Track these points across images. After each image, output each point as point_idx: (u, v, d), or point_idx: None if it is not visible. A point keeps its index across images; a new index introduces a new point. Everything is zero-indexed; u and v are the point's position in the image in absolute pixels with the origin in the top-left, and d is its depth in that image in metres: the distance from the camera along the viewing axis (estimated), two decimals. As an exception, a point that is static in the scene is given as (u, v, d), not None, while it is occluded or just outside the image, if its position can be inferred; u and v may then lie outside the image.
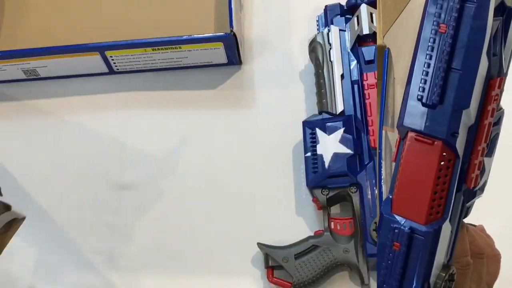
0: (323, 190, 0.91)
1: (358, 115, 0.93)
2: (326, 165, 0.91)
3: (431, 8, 0.55)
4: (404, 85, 0.58)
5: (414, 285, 0.58)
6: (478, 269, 0.69)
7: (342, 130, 0.92)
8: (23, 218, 0.79)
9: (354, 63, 0.96)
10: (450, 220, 0.58)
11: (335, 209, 0.94)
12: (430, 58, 0.55)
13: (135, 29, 1.11)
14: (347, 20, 1.00)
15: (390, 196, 0.59)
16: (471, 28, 0.53)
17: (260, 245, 0.92)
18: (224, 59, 1.06)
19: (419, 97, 0.55)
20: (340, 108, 0.94)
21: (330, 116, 0.94)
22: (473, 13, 0.53)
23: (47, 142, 1.09)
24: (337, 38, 0.98)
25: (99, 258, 0.96)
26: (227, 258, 0.96)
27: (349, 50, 0.97)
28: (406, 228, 0.57)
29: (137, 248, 0.99)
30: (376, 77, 0.92)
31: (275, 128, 1.03)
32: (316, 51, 0.99)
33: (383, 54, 0.66)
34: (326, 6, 1.03)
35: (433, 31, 0.55)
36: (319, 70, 0.98)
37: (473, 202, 0.62)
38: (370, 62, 0.95)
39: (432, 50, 0.55)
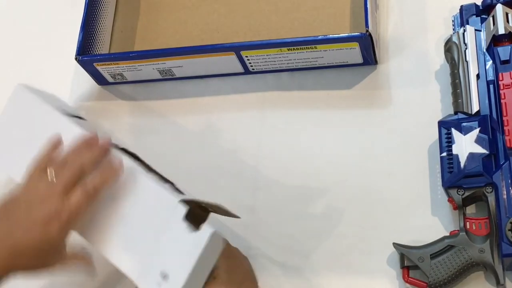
0: (459, 190, 0.98)
1: (494, 115, 0.99)
2: (462, 165, 0.97)
3: None
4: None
5: None
6: None
7: (477, 130, 0.98)
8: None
9: (489, 63, 1.02)
10: None
11: (470, 209, 1.01)
12: None
13: (270, 29, 1.22)
14: (482, 20, 1.06)
15: None
16: None
17: (396, 245, 1.00)
18: (359, 59, 1.14)
19: None
20: (475, 108, 1.01)
21: (466, 116, 1.01)
22: None
23: (182, 142, 1.22)
24: (473, 38, 1.05)
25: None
26: (363, 258, 1.04)
27: (484, 50, 1.04)
28: None
29: (272, 248, 1.09)
30: (513, 77, 0.98)
31: (411, 128, 1.10)
32: (452, 51, 1.06)
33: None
34: (461, 6, 1.09)
35: None
36: (455, 70, 1.05)
37: None
38: (505, 62, 1.01)
39: None
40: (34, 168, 0.94)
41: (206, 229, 0.90)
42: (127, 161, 0.99)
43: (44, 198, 0.89)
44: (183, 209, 0.92)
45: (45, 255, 0.91)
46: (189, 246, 0.90)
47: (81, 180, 0.92)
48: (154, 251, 0.93)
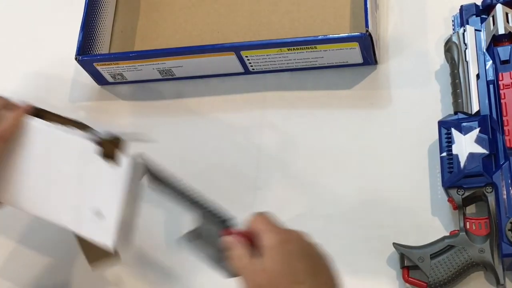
0: (459, 190, 0.98)
1: (494, 115, 0.99)
2: (462, 165, 0.97)
3: None
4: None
5: None
6: None
7: (477, 130, 0.98)
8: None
9: (489, 63, 1.02)
10: None
11: (470, 209, 1.01)
12: None
13: (270, 29, 1.23)
14: (482, 20, 1.06)
15: None
16: None
17: (396, 245, 1.00)
18: (359, 59, 1.14)
19: None
20: (475, 108, 1.01)
21: (466, 116, 1.01)
22: None
23: (182, 142, 1.22)
24: (473, 38, 1.05)
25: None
26: (363, 258, 1.05)
27: (484, 50, 1.04)
28: None
29: None
30: (513, 77, 0.99)
31: (411, 128, 1.10)
32: (452, 51, 1.07)
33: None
34: (461, 6, 1.09)
35: None
36: (455, 70, 1.05)
37: None
38: (505, 62, 1.01)
39: None
40: None
41: (123, 158, 0.95)
42: (39, 122, 1.00)
43: None
44: (97, 149, 0.96)
45: None
46: (113, 178, 0.94)
47: None
48: (79, 194, 0.97)
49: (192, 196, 0.94)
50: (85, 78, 1.29)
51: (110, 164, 0.95)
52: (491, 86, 1.03)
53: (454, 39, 1.08)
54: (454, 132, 1.01)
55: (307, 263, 0.84)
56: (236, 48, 1.17)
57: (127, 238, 0.98)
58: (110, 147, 0.96)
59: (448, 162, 1.01)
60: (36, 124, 0.99)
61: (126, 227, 0.97)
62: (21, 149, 0.99)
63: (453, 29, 1.12)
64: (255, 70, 1.22)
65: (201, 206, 0.93)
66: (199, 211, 0.93)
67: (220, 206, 0.92)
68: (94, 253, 0.97)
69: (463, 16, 1.10)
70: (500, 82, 1.00)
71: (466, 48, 1.06)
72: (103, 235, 0.95)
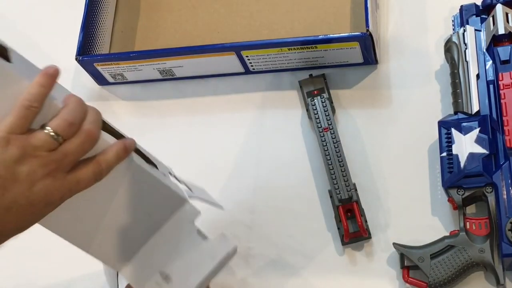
0: (459, 190, 0.99)
1: (494, 115, 1.00)
2: (462, 165, 0.98)
3: None
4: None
5: None
6: None
7: (477, 130, 0.99)
8: None
9: (489, 63, 1.03)
10: None
11: (470, 209, 1.01)
12: None
13: (270, 29, 1.23)
14: (482, 20, 1.07)
15: None
16: None
17: (396, 245, 1.01)
18: (360, 59, 1.15)
19: None
20: (475, 108, 1.01)
21: (466, 116, 1.02)
22: None
23: (182, 142, 1.23)
24: (473, 38, 1.06)
25: (235, 258, 0.99)
26: (363, 258, 1.05)
27: (484, 50, 1.05)
28: None
29: (272, 248, 1.10)
30: (513, 77, 1.00)
31: (411, 128, 1.11)
32: (452, 51, 1.07)
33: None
34: (461, 6, 1.10)
35: None
36: (455, 70, 1.06)
37: None
38: (505, 62, 1.02)
39: None
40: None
41: (227, 241, 0.91)
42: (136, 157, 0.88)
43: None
44: (196, 212, 0.92)
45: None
46: (204, 254, 0.90)
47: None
48: (153, 250, 0.91)
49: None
50: (86, 78, 1.30)
51: (204, 238, 0.90)
52: (491, 86, 1.03)
53: (454, 39, 1.09)
54: (454, 132, 1.01)
55: None
56: (236, 48, 1.17)
57: None
58: None
59: (448, 162, 1.01)
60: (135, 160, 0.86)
61: None
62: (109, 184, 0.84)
63: (453, 29, 1.12)
64: (255, 70, 1.22)
65: None
66: None
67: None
68: None
69: (463, 16, 1.10)
70: (500, 82, 1.00)
71: (466, 48, 1.07)
72: None
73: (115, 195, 0.85)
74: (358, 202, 1.06)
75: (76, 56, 1.24)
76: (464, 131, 1.01)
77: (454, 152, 1.00)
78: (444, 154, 1.02)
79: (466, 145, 1.00)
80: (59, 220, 0.81)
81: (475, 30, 1.07)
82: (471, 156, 0.99)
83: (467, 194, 1.00)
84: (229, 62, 1.20)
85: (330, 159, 1.08)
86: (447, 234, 1.01)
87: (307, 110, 1.14)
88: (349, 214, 1.06)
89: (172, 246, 0.91)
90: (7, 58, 0.75)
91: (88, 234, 0.86)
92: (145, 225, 0.90)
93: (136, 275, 0.90)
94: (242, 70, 1.22)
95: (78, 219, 0.85)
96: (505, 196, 0.96)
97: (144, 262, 0.90)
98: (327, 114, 1.11)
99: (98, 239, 0.87)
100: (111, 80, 1.29)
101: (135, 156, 0.86)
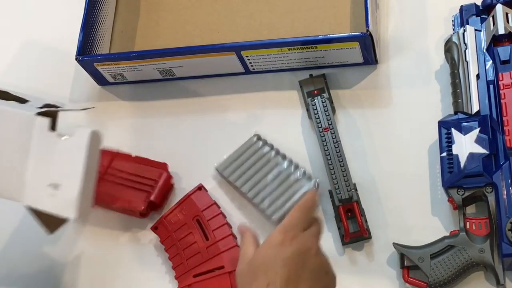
0: (459, 190, 0.99)
1: (494, 115, 1.00)
2: (462, 165, 0.98)
3: None
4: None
5: None
6: None
7: (477, 130, 0.99)
8: None
9: (489, 63, 1.03)
10: None
11: (470, 209, 1.01)
12: None
13: (270, 29, 1.23)
14: (482, 20, 1.07)
15: None
16: None
17: (396, 245, 1.01)
18: (360, 59, 1.15)
19: None
20: (475, 108, 1.02)
21: (466, 116, 1.02)
22: None
23: (182, 142, 1.23)
24: (473, 38, 1.06)
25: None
26: (363, 258, 1.06)
27: (484, 50, 1.05)
28: None
29: None
30: (513, 77, 1.00)
31: (411, 128, 1.11)
32: (452, 51, 1.07)
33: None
34: (461, 6, 1.10)
35: None
36: (455, 70, 1.06)
37: None
38: (505, 62, 1.02)
39: None
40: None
41: (82, 130, 0.93)
42: None
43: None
44: (45, 121, 0.94)
45: None
46: (70, 150, 0.93)
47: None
48: (31, 168, 0.94)
49: None
50: (86, 78, 1.30)
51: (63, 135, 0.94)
52: (491, 86, 1.03)
53: (454, 39, 1.09)
54: (454, 132, 1.02)
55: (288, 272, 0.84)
56: (236, 48, 1.17)
57: (86, 206, 0.95)
58: (53, 117, 0.94)
59: (448, 162, 1.01)
60: None
61: (85, 196, 0.94)
62: None
63: (453, 29, 1.12)
64: (255, 70, 1.22)
65: None
66: None
67: None
68: (51, 222, 0.94)
69: (463, 16, 1.10)
70: (500, 82, 1.00)
71: (466, 48, 1.07)
72: (65, 208, 0.93)
73: None
74: (358, 202, 1.06)
75: (76, 56, 1.24)
76: (464, 131, 1.01)
77: (454, 152, 1.01)
78: (444, 154, 1.02)
79: (466, 145, 1.00)
80: None
81: (475, 30, 1.08)
82: (471, 156, 0.99)
83: (467, 194, 1.00)
84: (229, 62, 1.20)
85: (331, 159, 1.08)
86: (447, 234, 1.01)
87: (307, 110, 1.14)
88: (349, 214, 1.06)
89: (44, 159, 0.94)
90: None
91: None
92: (14, 153, 0.95)
93: (34, 199, 0.94)
94: (242, 70, 1.22)
95: None
96: (505, 196, 0.96)
97: (34, 184, 0.94)
98: (327, 114, 1.11)
99: None
100: (111, 80, 1.29)
101: None
